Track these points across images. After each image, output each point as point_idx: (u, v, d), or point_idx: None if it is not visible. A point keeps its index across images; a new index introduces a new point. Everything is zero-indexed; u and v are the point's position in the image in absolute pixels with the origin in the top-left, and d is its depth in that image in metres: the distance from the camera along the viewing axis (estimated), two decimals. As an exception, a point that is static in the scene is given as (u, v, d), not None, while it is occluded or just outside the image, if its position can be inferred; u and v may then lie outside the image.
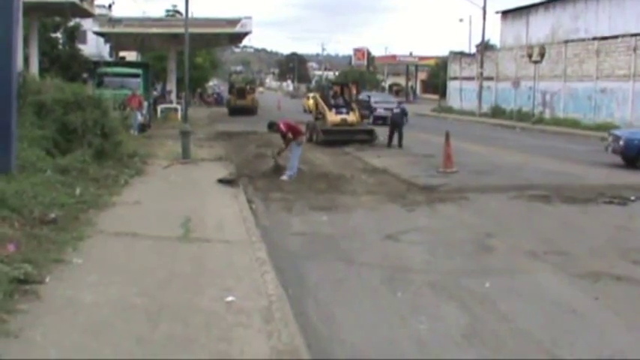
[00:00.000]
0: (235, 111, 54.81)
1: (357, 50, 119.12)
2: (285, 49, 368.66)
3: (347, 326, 7.74)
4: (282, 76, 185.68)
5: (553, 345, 7.35)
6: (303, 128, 20.30)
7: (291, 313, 7.61)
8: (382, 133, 30.24)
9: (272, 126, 20.53)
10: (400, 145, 29.18)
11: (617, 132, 25.75)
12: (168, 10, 62.93)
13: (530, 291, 9.24)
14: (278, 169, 19.73)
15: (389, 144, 29.29)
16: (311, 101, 46.56)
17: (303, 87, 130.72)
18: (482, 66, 61.69)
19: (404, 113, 31.18)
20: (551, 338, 7.50)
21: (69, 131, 16.87)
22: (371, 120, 43.79)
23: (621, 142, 23.57)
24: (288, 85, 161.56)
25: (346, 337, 7.42)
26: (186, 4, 24.20)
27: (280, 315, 7.41)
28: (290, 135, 19.90)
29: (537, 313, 8.31)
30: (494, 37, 78.58)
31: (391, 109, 35.69)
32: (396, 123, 29.88)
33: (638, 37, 43.05)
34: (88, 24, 47.57)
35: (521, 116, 52.36)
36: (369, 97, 50.84)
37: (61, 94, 17.56)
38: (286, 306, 7.82)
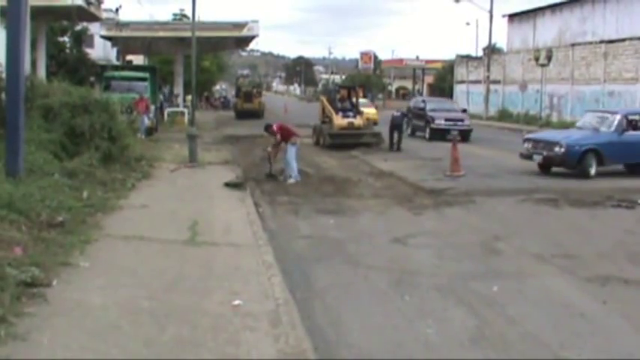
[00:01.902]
0: (242, 114, 54.87)
1: (363, 54, 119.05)
2: (292, 53, 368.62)
3: (354, 329, 7.72)
4: (288, 80, 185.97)
5: (561, 348, 7.32)
6: (298, 132, 20.12)
7: (298, 316, 7.60)
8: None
9: (267, 128, 20.80)
10: (399, 147, 29.16)
11: (547, 137, 23.19)
12: (175, 14, 63.18)
13: (538, 294, 9.22)
14: (272, 176, 19.74)
15: (390, 147, 29.35)
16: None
17: (310, 90, 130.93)
18: (489, 69, 61.60)
19: (404, 116, 31.22)
20: (559, 341, 7.48)
21: (76, 135, 16.88)
22: (427, 134, 36.09)
23: (561, 149, 20.95)
24: (295, 89, 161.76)
25: (353, 341, 7.41)
26: (193, 8, 24.28)
27: (287, 318, 7.40)
28: (278, 137, 19.94)
29: (545, 316, 8.28)
30: (501, 41, 78.44)
31: (457, 121, 35.21)
32: (396, 125, 29.85)
33: (645, 40, 43.00)
34: (95, 28, 47.70)
35: (528, 119, 52.32)
36: (423, 102, 39.59)
37: (68, 98, 17.58)
38: (293, 309, 7.82)
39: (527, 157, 22.36)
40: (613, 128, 21.88)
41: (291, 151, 19.57)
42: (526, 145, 22.73)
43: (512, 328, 7.89)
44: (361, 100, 54.19)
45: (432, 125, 35.65)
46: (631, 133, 21.86)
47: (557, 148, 21.15)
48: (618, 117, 22.28)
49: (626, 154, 21.90)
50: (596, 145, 21.28)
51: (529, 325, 7.98)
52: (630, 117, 22.47)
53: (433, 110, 36.94)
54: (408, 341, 7.45)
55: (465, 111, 41.24)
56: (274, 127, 20.13)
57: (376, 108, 53.72)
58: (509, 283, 9.71)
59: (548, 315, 8.33)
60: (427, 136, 35.90)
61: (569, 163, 21.19)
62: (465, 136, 32.31)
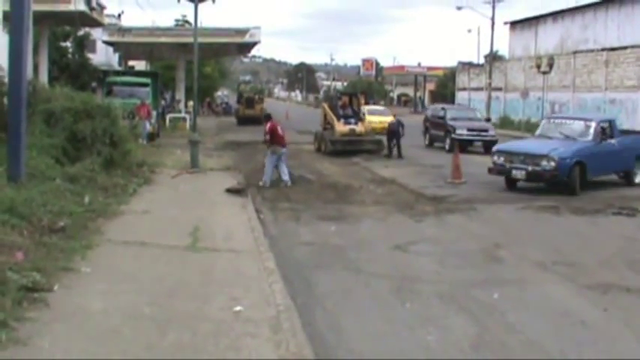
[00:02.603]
0: (244, 121, 54.82)
1: (365, 60, 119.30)
2: (293, 59, 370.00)
3: (355, 336, 7.72)
4: (290, 86, 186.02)
5: (562, 356, 7.33)
6: (285, 141, 19.94)
7: (299, 322, 7.61)
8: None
9: (268, 117, 21.60)
10: (400, 155, 29.15)
11: (528, 149, 19.93)
12: (177, 20, 63.09)
13: (539, 302, 9.22)
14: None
15: (389, 154, 29.37)
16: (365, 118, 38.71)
17: (310, 97, 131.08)
18: (490, 76, 61.59)
19: (400, 124, 30.88)
20: (559, 349, 7.48)
21: (78, 140, 16.91)
22: (447, 145, 32.23)
23: (551, 163, 18.57)
24: (297, 95, 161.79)
25: (354, 347, 7.41)
26: (195, 14, 24.25)
27: (288, 325, 7.40)
28: (267, 137, 20.01)
29: (546, 323, 8.28)
30: (502, 48, 78.57)
31: (480, 131, 33.40)
32: (394, 133, 29.83)
33: (647, 48, 43.04)
34: (97, 33, 47.75)
35: (529, 127, 52.19)
36: (443, 110, 36.39)
37: (70, 103, 17.60)
38: (294, 316, 7.82)
39: (501, 172, 19.73)
40: (591, 137, 19.81)
41: (271, 159, 19.67)
42: (497, 158, 19.91)
43: (512, 336, 7.89)
44: (377, 108, 52.25)
45: (453, 135, 32.14)
46: (606, 142, 20.11)
47: (545, 162, 18.70)
48: (594, 124, 20.22)
49: (605, 165, 20.17)
50: (582, 157, 19.06)
51: (530, 332, 7.98)
52: (602, 124, 20.62)
53: (454, 119, 34.14)
54: (409, 348, 7.45)
55: (489, 120, 39.28)
56: (268, 126, 20.13)
57: (394, 117, 50.09)
58: (510, 290, 9.71)
59: (549, 322, 8.33)
60: (447, 147, 32.09)
61: (560, 179, 18.79)
62: (488, 147, 29.65)
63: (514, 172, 19.22)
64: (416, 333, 7.89)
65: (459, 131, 32.46)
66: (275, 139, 19.93)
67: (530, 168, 18.97)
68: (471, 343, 7.61)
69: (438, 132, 34.74)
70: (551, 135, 20.60)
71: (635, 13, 49.31)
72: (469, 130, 32.87)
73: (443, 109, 37.05)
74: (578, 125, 20.70)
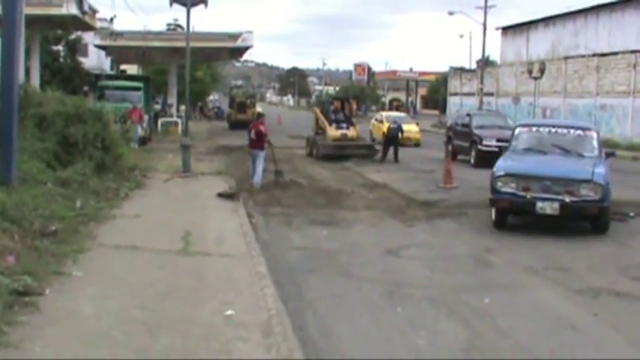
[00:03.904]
0: (236, 125, 54.74)
1: (357, 65, 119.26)
2: (285, 64, 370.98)
3: (346, 341, 7.74)
4: (282, 91, 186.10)
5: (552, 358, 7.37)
6: (263, 145, 20.02)
7: (290, 327, 7.62)
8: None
9: (260, 116, 21.91)
10: (396, 159, 29.22)
11: (556, 172, 14.32)
12: (169, 24, 63.16)
13: (529, 306, 9.25)
14: (280, 175, 20.22)
15: (383, 158, 29.44)
16: (384, 125, 36.00)
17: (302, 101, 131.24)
18: (482, 82, 61.71)
19: (400, 129, 30.88)
20: (550, 353, 7.51)
21: (70, 144, 16.89)
22: (472, 159, 28.28)
23: (597, 192, 13.82)
24: (289, 100, 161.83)
25: (345, 352, 7.42)
26: (187, 18, 24.25)
27: (280, 329, 7.41)
28: (253, 136, 19.96)
29: (537, 328, 8.31)
30: (494, 53, 78.70)
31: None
32: (393, 138, 29.90)
33: (637, 54, 43.14)
34: (89, 37, 47.65)
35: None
36: (468, 117, 31.72)
37: (62, 107, 17.58)
38: (286, 320, 7.83)
39: (516, 206, 14.31)
40: (597, 152, 15.73)
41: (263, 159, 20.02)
42: (502, 184, 14.28)
43: (503, 340, 7.92)
44: (399, 115, 47.66)
45: (480, 147, 27.58)
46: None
47: (586, 190, 13.84)
48: (595, 135, 16.29)
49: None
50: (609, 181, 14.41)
51: (520, 336, 8.01)
52: None
53: (481, 127, 29.38)
54: (400, 352, 7.47)
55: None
56: (261, 128, 20.21)
57: (417, 125, 44.60)
58: (501, 295, 9.74)
59: (540, 327, 8.36)
60: (472, 160, 28.13)
61: (603, 212, 14.08)
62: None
63: (540, 204, 13.74)
64: (407, 337, 7.91)
65: (486, 142, 27.31)
66: (257, 140, 20.06)
67: (567, 199, 13.68)
68: (461, 348, 7.64)
69: (462, 142, 30.02)
70: (544, 149, 15.79)
71: (626, 19, 49.54)
72: (499, 140, 25.82)
73: (468, 115, 32.41)
74: (577, 136, 16.24)
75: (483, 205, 17.33)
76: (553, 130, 16.65)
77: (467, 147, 29.27)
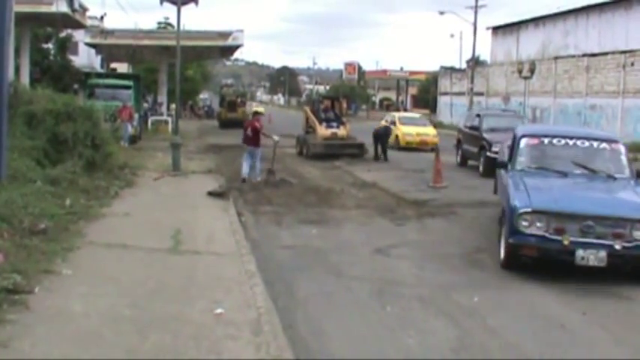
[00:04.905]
0: (226, 124, 54.72)
1: (347, 64, 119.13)
2: (276, 63, 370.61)
3: (336, 339, 7.75)
4: (273, 90, 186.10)
5: (541, 358, 7.39)
6: (255, 142, 20.94)
7: (280, 325, 7.64)
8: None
9: (256, 114, 22.30)
10: (385, 158, 29.28)
11: (602, 209, 10.71)
12: (159, 23, 63.03)
13: (518, 305, 9.28)
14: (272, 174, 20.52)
15: (376, 157, 29.53)
16: (398, 129, 35.13)
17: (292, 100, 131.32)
18: (472, 81, 61.91)
19: (387, 129, 30.82)
20: (539, 352, 7.55)
21: (59, 142, 16.86)
22: (481, 167, 24.41)
23: None
24: (279, 99, 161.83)
25: (335, 350, 7.43)
26: (177, 17, 24.24)
27: (269, 327, 7.42)
28: (249, 133, 20.84)
29: (525, 327, 8.35)
30: (484, 53, 78.88)
31: None
32: (380, 137, 29.93)
33: (627, 54, 43.37)
34: (79, 35, 47.53)
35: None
36: (478, 118, 27.23)
37: (52, 105, 17.56)
38: (275, 318, 7.85)
39: (549, 254, 10.63)
40: (627, 172, 12.50)
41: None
42: (526, 223, 10.56)
43: (492, 339, 7.95)
44: (413, 116, 44.03)
45: (489, 154, 22.94)
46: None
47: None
48: (623, 149, 13.00)
49: None
50: None
51: (509, 335, 8.04)
52: None
53: (492, 130, 24.89)
54: (390, 351, 7.48)
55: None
56: (256, 124, 21.10)
57: (435, 127, 40.80)
58: (490, 294, 9.77)
59: (529, 326, 8.39)
60: (481, 168, 24.36)
61: None
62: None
63: (581, 253, 10.30)
64: (396, 336, 7.92)
65: (496, 148, 21.39)
66: (251, 135, 20.86)
67: (617, 245, 10.33)
68: (451, 346, 7.66)
69: (470, 147, 26.53)
70: (563, 168, 12.32)
71: (616, 20, 49.74)
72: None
73: (478, 116, 27.94)
74: (602, 151, 12.87)
75: (473, 205, 17.46)
76: (570, 142, 12.90)
77: (475, 153, 25.68)
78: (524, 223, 10.56)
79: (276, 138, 21.24)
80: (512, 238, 10.69)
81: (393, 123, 35.36)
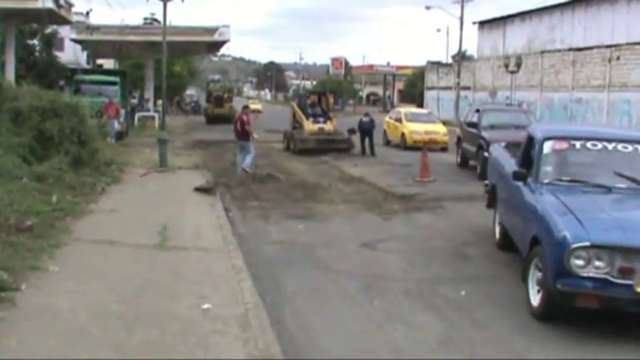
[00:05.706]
0: (213, 119, 54.69)
1: (334, 59, 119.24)
2: (263, 58, 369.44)
3: (323, 334, 7.76)
4: (260, 85, 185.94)
5: (528, 352, 7.42)
6: (244, 136, 21.47)
7: (267, 320, 7.64)
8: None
9: (245, 108, 23.22)
10: (372, 153, 29.27)
11: None
12: (146, 18, 62.68)
13: (506, 298, 9.30)
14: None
15: (363, 152, 29.51)
16: (404, 126, 33.01)
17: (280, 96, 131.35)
18: (459, 76, 62.01)
19: (372, 123, 30.41)
20: (526, 345, 7.58)
21: (45, 138, 16.80)
22: (478, 168, 21.96)
23: None
24: (266, 94, 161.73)
25: (322, 345, 7.45)
26: (164, 13, 24.17)
27: (257, 322, 7.43)
28: (239, 127, 21.48)
29: (513, 320, 8.38)
30: (471, 48, 79.34)
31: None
32: (366, 132, 29.89)
33: (613, 49, 43.48)
34: (65, 31, 47.27)
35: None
36: (477, 113, 24.99)
37: (37, 102, 17.49)
38: (263, 313, 7.86)
39: (619, 308, 7.91)
40: None
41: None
42: (583, 262, 7.73)
43: (479, 332, 7.98)
44: (419, 111, 40.67)
45: (486, 154, 18.82)
46: None
47: None
48: None
49: None
50: None
51: (497, 328, 8.08)
52: None
53: (491, 127, 22.91)
54: (377, 345, 7.51)
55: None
56: (243, 116, 21.79)
57: (444, 124, 36.84)
58: (478, 287, 9.80)
59: (516, 319, 8.42)
60: (478, 169, 21.90)
61: None
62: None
63: None
64: (384, 330, 7.95)
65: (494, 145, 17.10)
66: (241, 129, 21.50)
67: None
68: (438, 340, 7.69)
69: (469, 146, 24.18)
70: (604, 181, 9.34)
71: (602, 14, 49.90)
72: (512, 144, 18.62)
73: (477, 111, 25.50)
74: (618, 150, 9.85)
75: (460, 198, 17.51)
76: (610, 145, 9.90)
77: (474, 152, 23.24)
78: (579, 262, 7.77)
79: (255, 136, 21.74)
80: (560, 282, 7.85)
81: (399, 120, 33.80)
